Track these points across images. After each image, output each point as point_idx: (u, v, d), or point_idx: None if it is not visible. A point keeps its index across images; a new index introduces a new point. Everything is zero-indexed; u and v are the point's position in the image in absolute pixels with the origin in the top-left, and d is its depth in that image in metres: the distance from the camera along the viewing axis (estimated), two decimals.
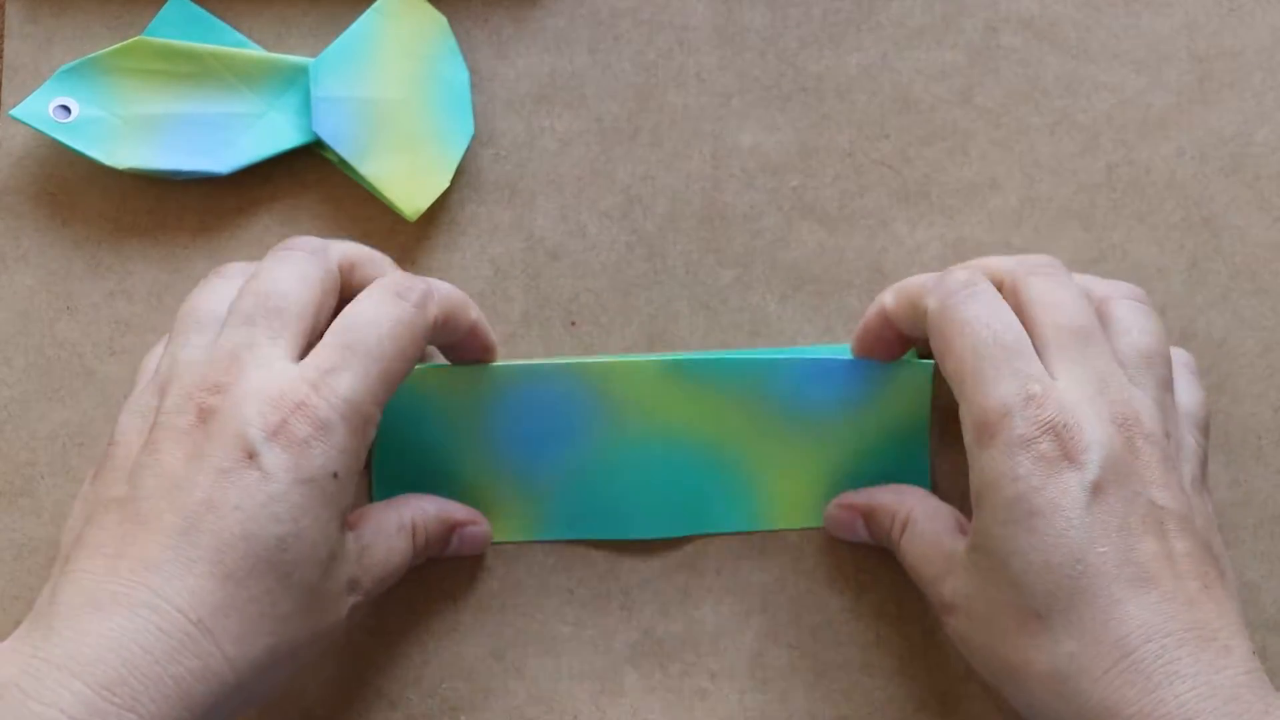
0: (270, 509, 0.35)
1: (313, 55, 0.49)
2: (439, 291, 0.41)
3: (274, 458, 0.35)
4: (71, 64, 0.48)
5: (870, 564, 0.47)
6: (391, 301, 0.39)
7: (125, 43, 0.48)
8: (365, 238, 0.49)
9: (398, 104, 0.48)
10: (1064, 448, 0.36)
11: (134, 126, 0.48)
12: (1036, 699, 0.36)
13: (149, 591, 0.34)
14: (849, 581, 0.47)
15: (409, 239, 0.49)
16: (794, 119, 0.49)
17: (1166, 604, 0.35)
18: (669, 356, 0.45)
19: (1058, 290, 0.40)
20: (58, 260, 0.49)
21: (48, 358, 0.48)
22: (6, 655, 0.34)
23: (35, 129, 0.48)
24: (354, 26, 0.48)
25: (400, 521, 0.42)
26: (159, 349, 0.43)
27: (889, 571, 0.47)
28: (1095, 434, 0.37)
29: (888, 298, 0.43)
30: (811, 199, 0.49)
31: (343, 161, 0.48)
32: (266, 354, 0.37)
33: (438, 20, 0.49)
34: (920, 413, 0.46)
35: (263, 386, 0.36)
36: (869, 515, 0.45)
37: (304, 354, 0.38)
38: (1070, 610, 0.36)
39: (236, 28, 0.49)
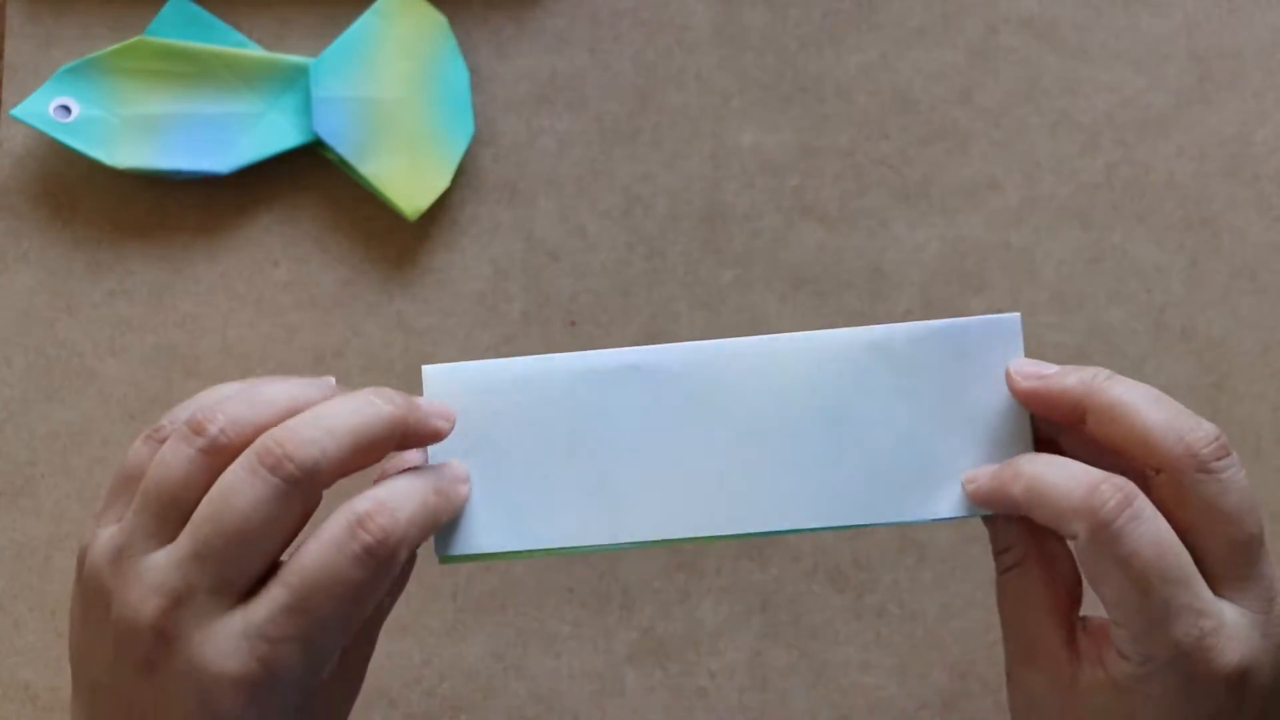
0: None
1: (313, 55, 0.49)
2: (411, 533, 0.35)
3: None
4: (72, 64, 0.48)
5: (871, 564, 0.47)
6: (347, 551, 0.34)
7: (125, 43, 0.48)
8: (365, 237, 0.49)
9: (398, 104, 0.48)
10: (1233, 696, 0.35)
11: (134, 126, 0.48)
12: None
13: None
14: (849, 581, 0.47)
15: (409, 239, 0.49)
16: (794, 119, 0.49)
17: None
18: None
19: (1228, 496, 0.35)
20: (58, 260, 0.49)
21: (48, 358, 0.48)
22: None
23: (36, 129, 0.48)
24: (354, 26, 0.48)
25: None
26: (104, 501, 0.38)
27: (889, 571, 0.47)
28: (1260, 678, 0.35)
29: (1016, 489, 0.36)
30: (811, 199, 0.49)
31: (343, 161, 0.48)
32: (205, 606, 0.34)
33: (438, 20, 0.49)
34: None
35: (203, 663, 0.34)
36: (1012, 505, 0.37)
37: (252, 585, 0.35)
38: None
39: (236, 28, 0.49)
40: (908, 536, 0.47)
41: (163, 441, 0.36)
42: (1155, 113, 0.49)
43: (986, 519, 0.38)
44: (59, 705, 0.46)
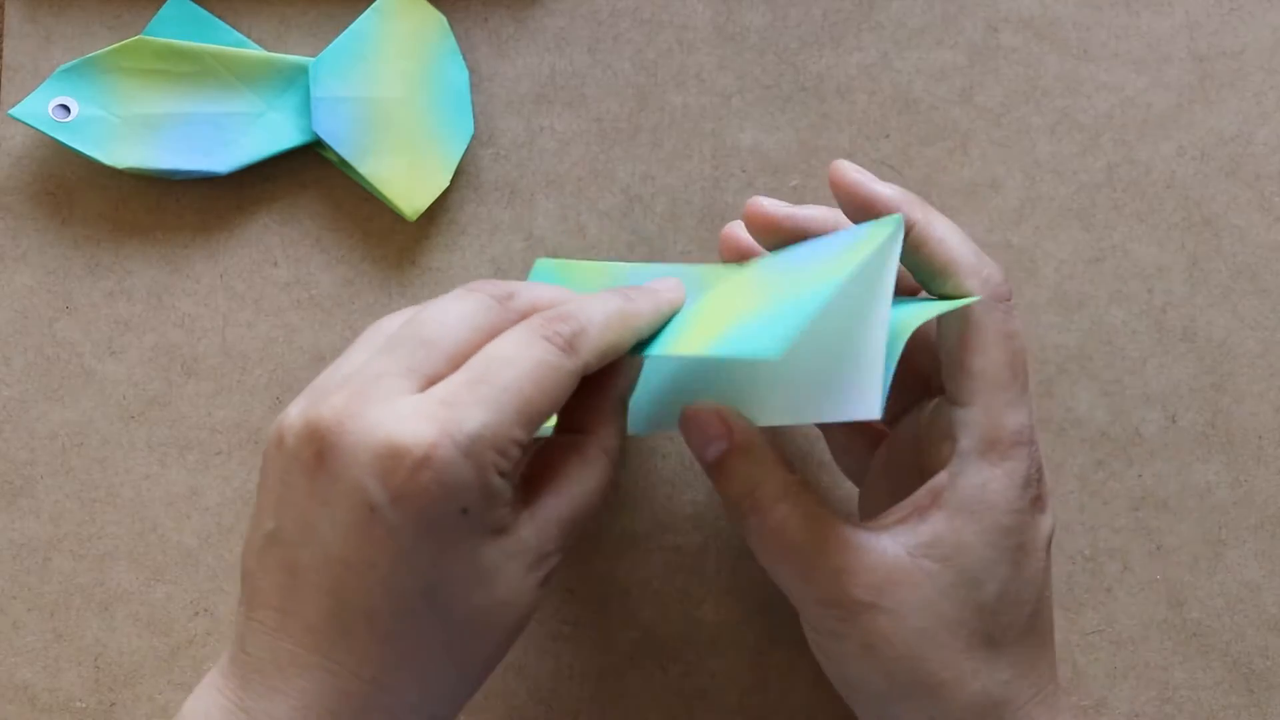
0: (405, 563, 0.33)
1: (313, 55, 0.49)
2: (592, 331, 0.36)
3: (395, 513, 0.33)
4: (71, 63, 0.48)
5: None
6: (536, 343, 0.35)
7: (125, 42, 0.48)
8: (365, 237, 0.49)
9: (398, 104, 0.48)
10: (1042, 493, 0.38)
11: (133, 126, 0.48)
12: (947, 717, 0.37)
13: (319, 655, 0.34)
14: None
15: (409, 239, 0.49)
16: (794, 119, 0.49)
17: (1055, 649, 0.40)
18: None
19: (1012, 324, 0.38)
20: (57, 260, 0.49)
21: (47, 357, 0.48)
22: (213, 697, 0.35)
23: (35, 128, 0.48)
24: (354, 26, 0.48)
25: (583, 453, 0.38)
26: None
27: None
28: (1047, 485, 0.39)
29: (921, 214, 0.38)
30: (811, 199, 0.49)
31: (343, 161, 0.48)
32: (392, 386, 0.34)
33: (437, 20, 0.49)
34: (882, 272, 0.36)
35: (379, 429, 0.33)
36: (737, 451, 0.38)
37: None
38: (1020, 644, 0.37)
39: (236, 27, 0.49)
40: None
41: None
42: (1156, 113, 0.49)
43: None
44: (57, 706, 0.46)
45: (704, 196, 0.49)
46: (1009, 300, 0.38)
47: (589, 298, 0.38)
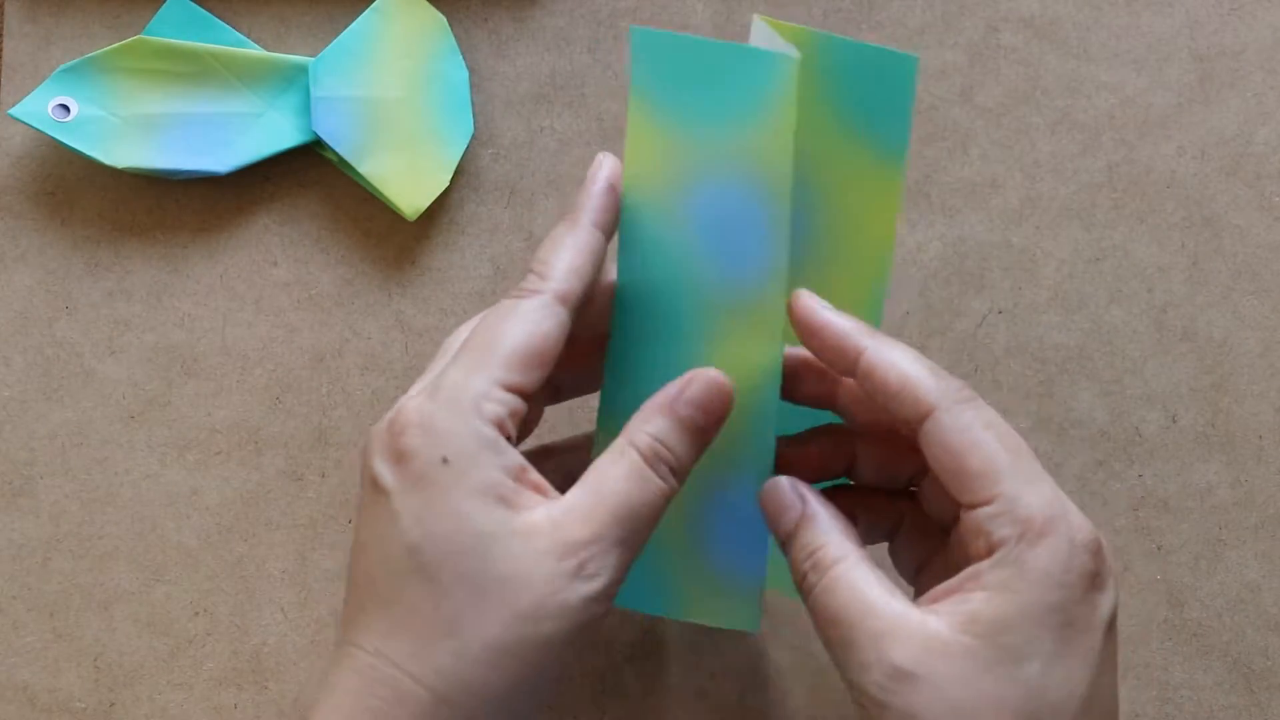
0: (394, 525, 0.36)
1: (312, 55, 0.49)
2: (560, 265, 0.39)
3: (386, 475, 0.36)
4: (71, 63, 0.48)
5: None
6: (517, 305, 0.38)
7: (124, 42, 0.48)
8: (365, 237, 0.49)
9: (397, 103, 0.48)
10: (1099, 569, 0.37)
11: (133, 126, 0.48)
12: None
13: (346, 643, 0.37)
14: None
15: (408, 238, 0.49)
16: None
17: None
18: None
19: (988, 413, 0.38)
20: (57, 260, 0.49)
21: (47, 357, 0.48)
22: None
23: (34, 128, 0.47)
24: (353, 26, 0.48)
25: (627, 463, 0.38)
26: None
27: (888, 571, 0.47)
28: (1110, 561, 0.37)
29: (869, 349, 0.38)
30: None
31: (342, 161, 0.48)
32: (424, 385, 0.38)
33: (437, 20, 0.49)
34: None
35: (389, 416, 0.37)
36: (807, 520, 0.39)
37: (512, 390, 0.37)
38: None
39: (236, 27, 0.49)
40: None
41: None
42: (1156, 112, 0.49)
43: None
44: (57, 706, 0.46)
45: None
46: (974, 400, 0.37)
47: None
